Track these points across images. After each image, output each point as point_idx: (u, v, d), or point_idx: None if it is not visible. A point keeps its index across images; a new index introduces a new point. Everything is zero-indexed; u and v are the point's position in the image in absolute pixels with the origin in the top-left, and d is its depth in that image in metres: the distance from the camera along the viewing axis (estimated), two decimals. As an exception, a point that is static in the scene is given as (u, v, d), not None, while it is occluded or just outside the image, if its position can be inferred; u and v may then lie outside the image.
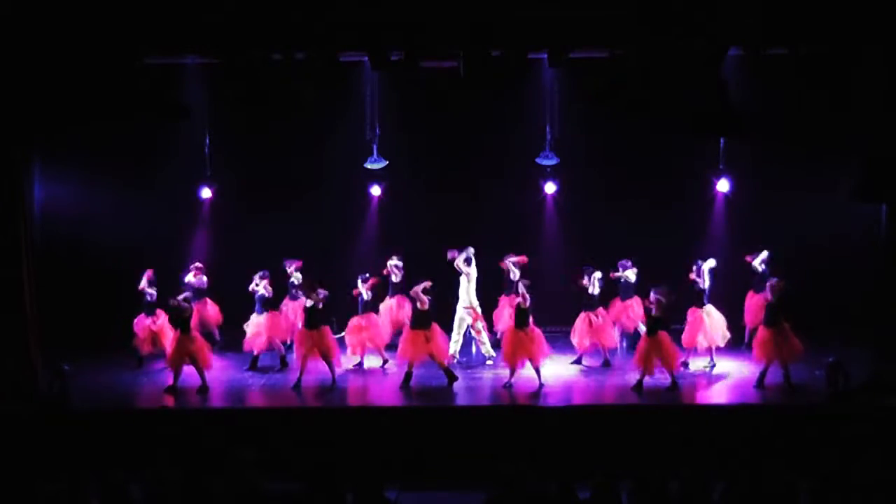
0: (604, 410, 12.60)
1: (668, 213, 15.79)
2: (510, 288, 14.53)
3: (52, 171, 14.62)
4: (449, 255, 14.30)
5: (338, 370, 13.62)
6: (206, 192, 15.71)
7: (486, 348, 14.59)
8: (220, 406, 13.01)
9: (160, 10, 12.29)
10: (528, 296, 13.21)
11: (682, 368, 13.59)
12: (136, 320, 14.55)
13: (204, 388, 13.16)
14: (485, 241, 14.89)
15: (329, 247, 15.92)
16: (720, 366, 13.99)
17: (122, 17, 12.28)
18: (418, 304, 13.40)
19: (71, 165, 15.19)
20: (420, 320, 13.41)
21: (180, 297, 13.39)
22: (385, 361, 14.42)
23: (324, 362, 13.46)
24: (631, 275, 14.62)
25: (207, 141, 15.43)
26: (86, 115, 13.11)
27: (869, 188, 12.46)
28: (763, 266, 14.54)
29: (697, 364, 14.07)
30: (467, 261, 14.43)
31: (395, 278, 14.91)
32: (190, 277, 14.88)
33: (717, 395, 13.18)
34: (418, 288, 13.42)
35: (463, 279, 14.45)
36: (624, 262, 14.71)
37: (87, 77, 12.68)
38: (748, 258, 14.67)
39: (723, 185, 15.65)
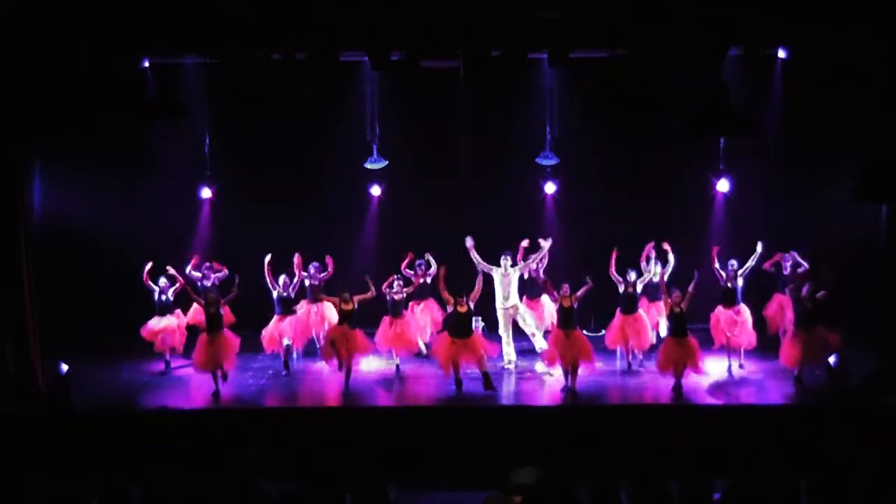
0: (604, 411, 12.62)
1: (668, 213, 15.76)
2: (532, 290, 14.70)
3: (52, 171, 14.59)
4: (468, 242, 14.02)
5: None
6: (206, 192, 15.71)
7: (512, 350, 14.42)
8: (221, 406, 12.99)
9: (160, 10, 12.29)
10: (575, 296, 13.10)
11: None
12: (146, 326, 14.34)
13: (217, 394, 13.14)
14: (484, 241, 14.86)
15: (329, 247, 15.88)
16: (718, 365, 13.99)
17: (123, 17, 12.29)
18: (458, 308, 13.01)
19: (71, 165, 15.13)
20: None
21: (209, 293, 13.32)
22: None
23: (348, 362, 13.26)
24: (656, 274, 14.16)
25: (207, 141, 15.43)
26: (86, 115, 13.13)
27: (869, 188, 12.45)
28: (792, 266, 14.26)
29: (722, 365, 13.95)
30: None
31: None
32: (195, 272, 14.62)
33: (718, 395, 13.17)
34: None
35: (498, 278, 14.21)
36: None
37: (87, 77, 12.71)
38: (767, 266, 14.38)
39: (723, 185, 15.64)
